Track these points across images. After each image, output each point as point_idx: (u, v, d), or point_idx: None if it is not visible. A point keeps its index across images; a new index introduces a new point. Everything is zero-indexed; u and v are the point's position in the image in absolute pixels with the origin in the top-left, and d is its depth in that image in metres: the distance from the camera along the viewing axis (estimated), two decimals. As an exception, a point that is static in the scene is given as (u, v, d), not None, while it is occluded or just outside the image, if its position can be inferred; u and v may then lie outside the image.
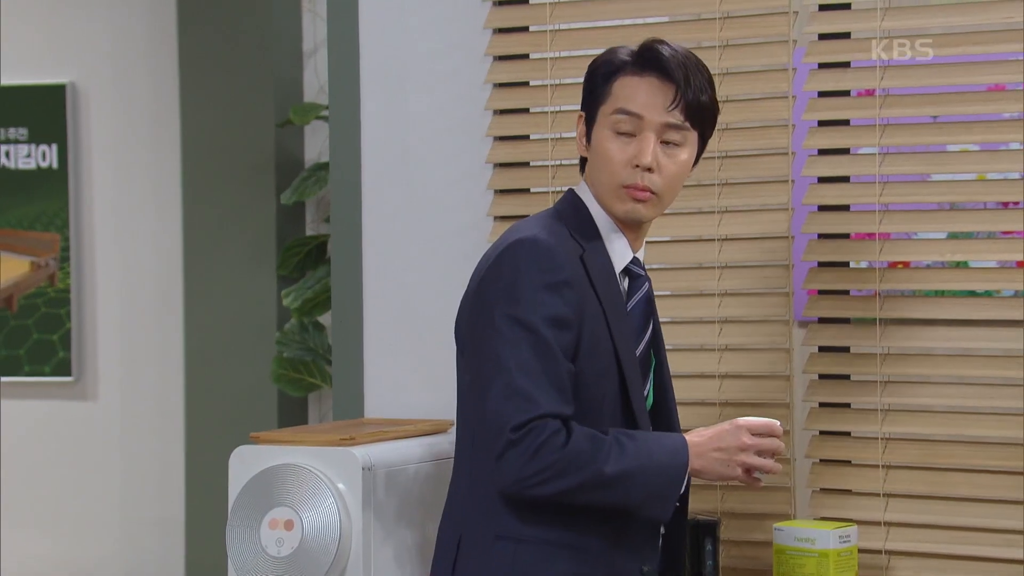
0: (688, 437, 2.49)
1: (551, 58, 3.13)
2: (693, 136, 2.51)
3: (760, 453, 2.49)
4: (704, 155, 3.12)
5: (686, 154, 2.51)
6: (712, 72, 2.47)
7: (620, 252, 2.54)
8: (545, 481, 2.37)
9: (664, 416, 2.60)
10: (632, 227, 2.54)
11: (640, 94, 2.47)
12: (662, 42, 2.50)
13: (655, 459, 2.43)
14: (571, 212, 2.54)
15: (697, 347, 3.02)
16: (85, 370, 5.16)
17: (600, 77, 2.51)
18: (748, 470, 2.49)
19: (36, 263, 5.17)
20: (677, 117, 2.47)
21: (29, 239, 5.17)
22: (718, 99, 2.55)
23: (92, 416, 5.15)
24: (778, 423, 2.52)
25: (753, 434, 2.48)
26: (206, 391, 4.88)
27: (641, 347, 2.54)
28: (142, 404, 5.11)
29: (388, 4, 3.27)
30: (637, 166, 2.46)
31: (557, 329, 2.40)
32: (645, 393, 2.54)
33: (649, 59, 2.48)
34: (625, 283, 2.54)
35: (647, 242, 2.64)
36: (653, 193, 2.48)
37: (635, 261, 2.56)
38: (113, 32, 5.07)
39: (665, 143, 2.48)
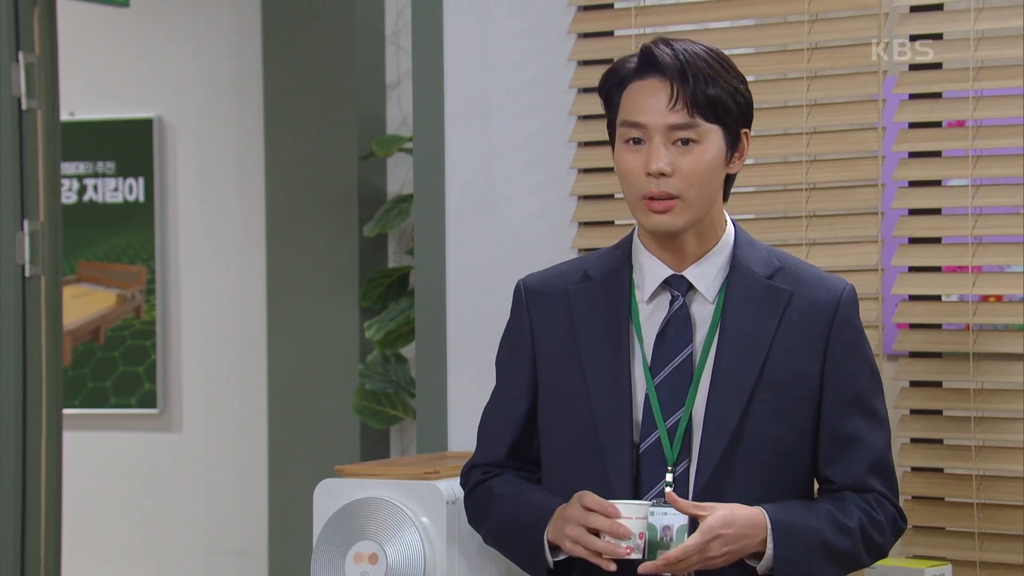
0: None
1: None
2: (714, 130, 2.31)
3: (599, 531, 2.25)
4: (791, 187, 3.05)
5: (709, 150, 2.31)
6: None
7: (652, 274, 2.38)
8: (475, 526, 2.52)
9: (711, 443, 2.33)
10: (668, 244, 2.37)
11: (642, 100, 2.32)
12: (663, 41, 2.33)
13: (519, 521, 2.39)
14: (623, 241, 2.45)
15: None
16: (170, 402, 5.19)
17: (608, 92, 2.37)
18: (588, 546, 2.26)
19: (122, 295, 5.21)
20: (682, 115, 2.29)
21: (116, 272, 5.22)
22: (754, 100, 2.36)
23: (177, 448, 5.18)
24: (630, 504, 2.24)
25: (588, 509, 2.27)
26: (289, 423, 4.89)
27: (668, 370, 2.37)
28: (226, 436, 5.13)
29: (473, 37, 3.27)
30: (650, 174, 2.32)
31: (507, 375, 2.47)
32: (677, 419, 2.34)
33: (646, 61, 2.32)
34: (666, 304, 2.40)
35: None
36: (675, 197, 2.31)
37: (672, 280, 2.38)
38: (199, 67, 5.12)
39: (682, 142, 2.31)
